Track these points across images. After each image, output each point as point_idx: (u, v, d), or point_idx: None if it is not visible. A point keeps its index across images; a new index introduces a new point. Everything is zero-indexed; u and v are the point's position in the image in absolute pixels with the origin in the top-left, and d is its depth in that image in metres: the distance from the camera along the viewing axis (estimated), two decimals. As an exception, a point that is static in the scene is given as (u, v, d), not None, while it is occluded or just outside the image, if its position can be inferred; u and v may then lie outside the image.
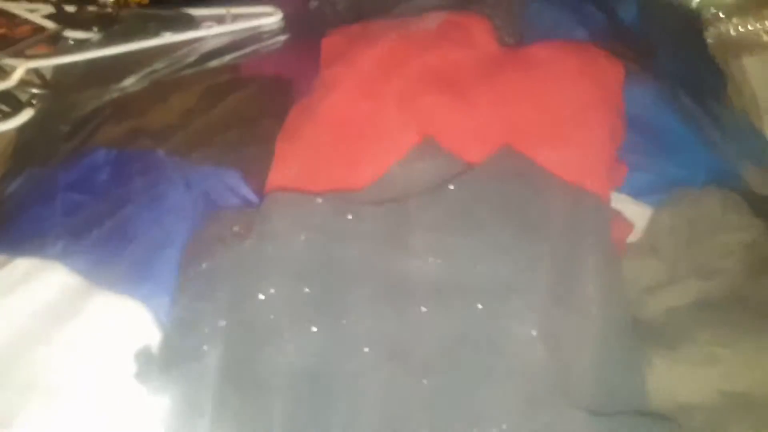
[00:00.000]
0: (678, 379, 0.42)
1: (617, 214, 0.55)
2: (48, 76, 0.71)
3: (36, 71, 0.69)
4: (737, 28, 0.89)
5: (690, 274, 0.48)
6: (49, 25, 0.75)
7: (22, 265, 0.47)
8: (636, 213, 0.56)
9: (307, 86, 0.67)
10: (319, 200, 0.51)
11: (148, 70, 0.69)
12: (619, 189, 0.57)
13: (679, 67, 0.71)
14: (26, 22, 0.78)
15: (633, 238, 0.54)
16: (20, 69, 0.67)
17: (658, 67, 0.69)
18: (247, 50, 0.72)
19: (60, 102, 0.67)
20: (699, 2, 0.92)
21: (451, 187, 0.52)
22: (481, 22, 0.69)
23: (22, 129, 0.64)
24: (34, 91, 0.69)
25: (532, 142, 0.56)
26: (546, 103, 0.59)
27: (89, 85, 0.68)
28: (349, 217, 0.50)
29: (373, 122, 0.59)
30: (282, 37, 0.76)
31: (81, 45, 0.73)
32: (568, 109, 0.59)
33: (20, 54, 0.70)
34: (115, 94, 0.66)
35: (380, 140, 0.58)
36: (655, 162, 0.61)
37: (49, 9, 0.78)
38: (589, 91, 0.60)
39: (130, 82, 0.68)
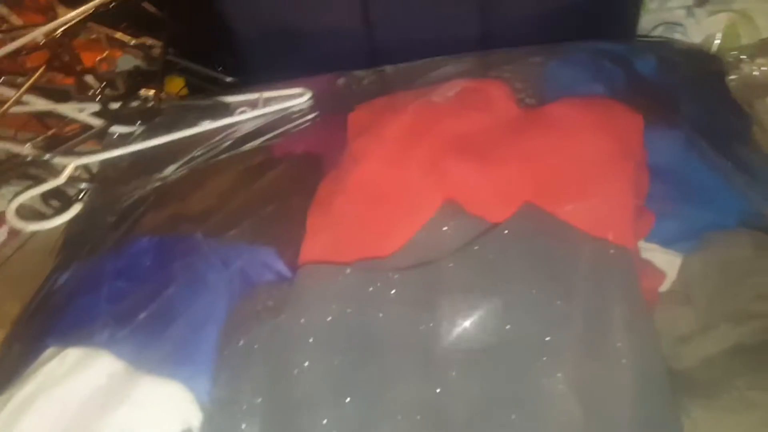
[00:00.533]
0: (718, 428, 0.41)
1: (648, 264, 0.55)
2: (95, 170, 0.76)
3: (84, 167, 0.74)
4: (761, 68, 0.89)
5: (724, 320, 0.47)
6: (96, 122, 0.81)
7: (72, 354, 0.50)
8: (667, 261, 0.56)
9: (337, 160, 0.70)
10: (348, 270, 0.53)
11: (187, 158, 0.74)
12: (648, 238, 0.57)
13: (702, 113, 0.71)
14: (74, 120, 0.84)
15: (665, 286, 0.54)
16: (70, 167, 0.72)
17: (681, 116, 0.70)
18: (279, 131, 0.75)
19: (106, 195, 0.71)
20: (719, 46, 0.93)
21: (476, 248, 0.53)
22: (500, 86, 0.71)
23: (70, 223, 0.68)
24: (83, 185, 0.74)
25: (554, 198, 0.57)
26: (565, 159, 0.60)
27: (133, 176, 0.73)
28: (378, 284, 0.51)
29: (399, 190, 0.61)
30: (312, 116, 0.80)
31: (125, 139, 0.78)
32: (588, 163, 0.59)
33: (69, 152, 0.76)
34: (157, 184, 0.70)
35: (406, 207, 0.60)
36: (683, 209, 0.61)
37: (95, 107, 0.84)
38: (608, 143, 0.61)
39: (170, 171, 0.72)
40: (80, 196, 0.71)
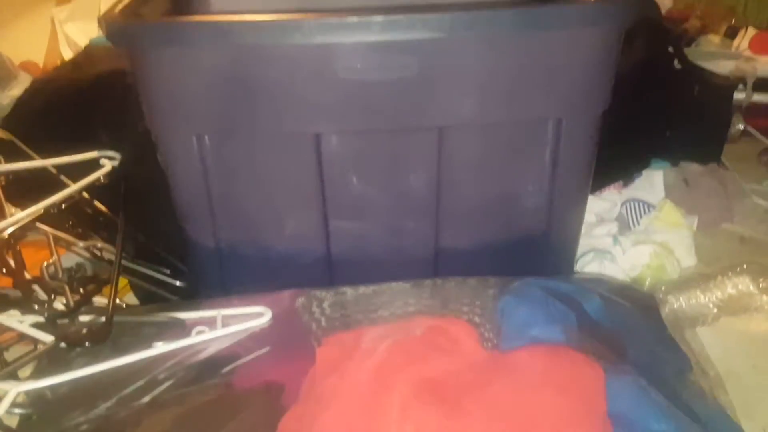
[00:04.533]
0: None
1: None
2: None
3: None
4: (689, 301, 0.98)
5: None
6: (40, 335, 0.76)
7: None
8: None
9: (299, 393, 0.68)
10: None
11: (137, 386, 0.70)
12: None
13: (647, 357, 0.76)
14: (10, 329, 0.79)
15: None
16: (11, 394, 0.67)
17: (629, 360, 0.74)
18: (239, 361, 0.73)
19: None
20: (649, 284, 1.01)
21: None
22: (464, 326, 0.74)
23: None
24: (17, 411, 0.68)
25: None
26: (536, 417, 0.61)
27: (74, 406, 0.68)
28: None
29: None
30: (272, 338, 0.78)
31: (71, 361, 0.73)
32: (559, 422, 0.61)
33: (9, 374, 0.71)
34: (101, 421, 0.65)
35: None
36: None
37: (39, 317, 0.79)
38: (576, 401, 0.63)
39: (119, 402, 0.68)
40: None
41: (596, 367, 0.67)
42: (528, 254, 0.95)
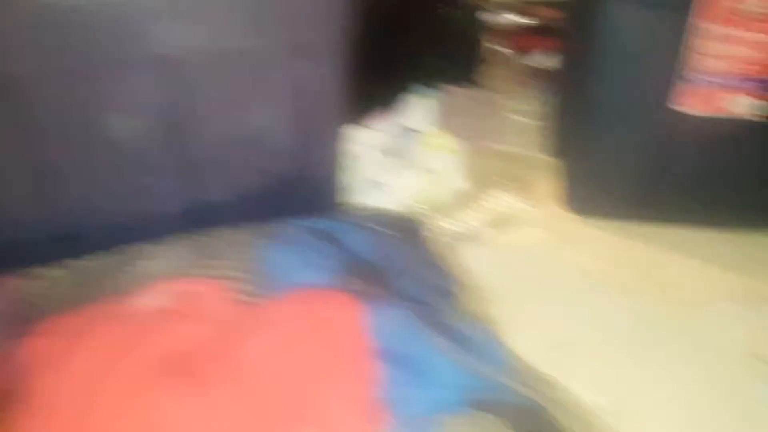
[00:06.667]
0: None
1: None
2: None
3: None
4: (460, 222, 0.98)
5: None
6: None
7: None
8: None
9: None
10: None
11: None
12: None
13: (412, 285, 0.73)
14: None
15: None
16: None
17: (397, 292, 0.70)
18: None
19: None
20: (421, 210, 0.99)
21: None
22: (214, 285, 0.65)
23: None
24: None
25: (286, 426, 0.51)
26: (293, 372, 0.56)
27: None
28: None
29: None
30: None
31: None
32: (319, 370, 0.56)
33: None
34: None
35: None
36: (415, 392, 0.60)
37: None
38: (337, 344, 0.59)
39: None
40: None
41: (359, 305, 0.63)
42: (286, 197, 0.87)
